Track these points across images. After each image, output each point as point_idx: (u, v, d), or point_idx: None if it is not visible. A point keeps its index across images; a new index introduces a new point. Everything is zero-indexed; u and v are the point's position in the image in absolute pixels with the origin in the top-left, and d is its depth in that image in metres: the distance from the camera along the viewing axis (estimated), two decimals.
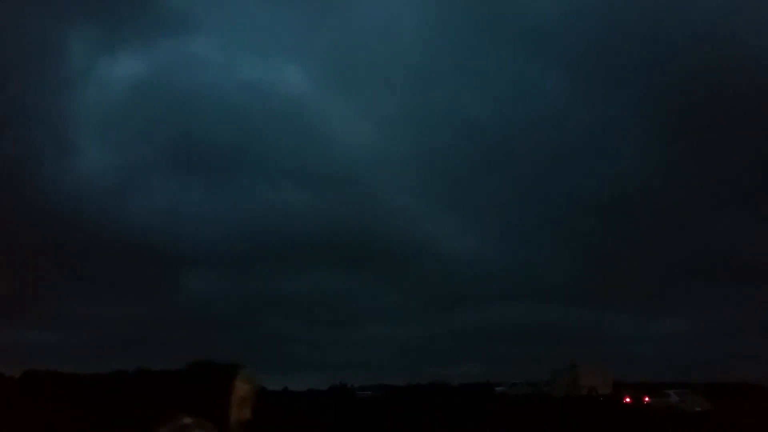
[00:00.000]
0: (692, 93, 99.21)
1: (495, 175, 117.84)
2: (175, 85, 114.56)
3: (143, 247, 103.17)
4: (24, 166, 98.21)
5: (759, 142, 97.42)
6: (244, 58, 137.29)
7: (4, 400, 46.73)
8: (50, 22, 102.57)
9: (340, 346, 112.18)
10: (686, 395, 35.79)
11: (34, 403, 41.88)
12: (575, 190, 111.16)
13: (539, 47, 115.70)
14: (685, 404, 34.27)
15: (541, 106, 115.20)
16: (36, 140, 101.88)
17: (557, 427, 25.69)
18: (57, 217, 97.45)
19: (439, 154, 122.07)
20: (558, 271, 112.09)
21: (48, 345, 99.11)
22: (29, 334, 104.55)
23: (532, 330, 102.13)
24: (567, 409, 34.14)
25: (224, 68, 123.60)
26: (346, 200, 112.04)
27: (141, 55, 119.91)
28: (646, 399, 38.99)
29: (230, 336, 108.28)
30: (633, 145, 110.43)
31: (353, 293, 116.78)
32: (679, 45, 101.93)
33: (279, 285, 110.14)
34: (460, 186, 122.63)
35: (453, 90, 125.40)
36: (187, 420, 2.82)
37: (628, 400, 41.35)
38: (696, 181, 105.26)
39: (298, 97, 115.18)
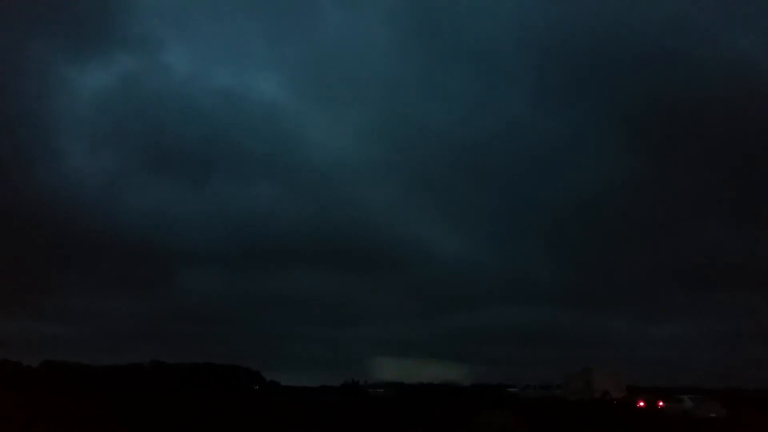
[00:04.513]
0: (663, 101, 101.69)
1: (467, 182, 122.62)
2: (161, 93, 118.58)
3: (147, 245, 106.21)
4: (23, 169, 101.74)
5: (729, 151, 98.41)
6: (221, 68, 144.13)
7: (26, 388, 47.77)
8: (39, 39, 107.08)
9: (346, 345, 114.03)
10: (701, 401, 35.67)
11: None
12: (548, 197, 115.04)
13: (499, 63, 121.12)
14: (699, 410, 34.18)
15: (505, 117, 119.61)
16: (30, 146, 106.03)
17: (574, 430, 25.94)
18: (64, 218, 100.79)
19: (412, 161, 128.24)
20: (547, 275, 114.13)
21: (56, 337, 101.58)
22: (36, 326, 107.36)
23: (533, 333, 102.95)
24: (581, 413, 34.31)
25: (202, 77, 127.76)
26: (331, 204, 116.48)
27: (126, 67, 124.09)
28: (660, 404, 38.96)
29: (238, 333, 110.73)
30: (598, 153, 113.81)
31: (352, 294, 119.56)
32: (640, 55, 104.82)
33: (281, 284, 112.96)
34: (437, 192, 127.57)
35: (421, 101, 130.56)
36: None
37: (641, 404, 41.36)
38: (672, 188, 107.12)
39: (273, 105, 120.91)
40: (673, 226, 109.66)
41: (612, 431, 26.32)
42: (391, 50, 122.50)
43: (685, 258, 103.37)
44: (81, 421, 24.75)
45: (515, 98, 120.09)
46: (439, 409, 37.29)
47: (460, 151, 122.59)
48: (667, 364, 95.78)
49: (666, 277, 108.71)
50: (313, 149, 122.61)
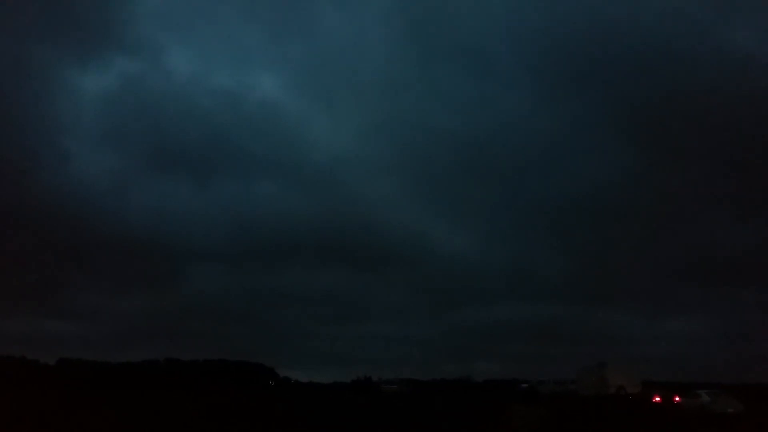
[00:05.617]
0: (664, 96, 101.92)
1: (470, 179, 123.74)
2: (164, 95, 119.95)
3: (161, 243, 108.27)
4: (35, 172, 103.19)
5: (735, 145, 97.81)
6: (223, 69, 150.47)
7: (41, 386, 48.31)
8: (43, 44, 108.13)
9: (355, 341, 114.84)
10: (718, 396, 35.46)
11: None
12: (555, 193, 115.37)
13: (498, 62, 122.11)
14: (716, 405, 34.00)
15: (506, 115, 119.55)
16: (41, 148, 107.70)
17: (590, 426, 25.90)
18: (77, 218, 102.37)
19: (415, 159, 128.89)
20: (556, 271, 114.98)
21: (72, 335, 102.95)
22: (52, 324, 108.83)
23: (543, 329, 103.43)
24: (602, 409, 34.21)
25: (204, 78, 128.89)
26: (338, 202, 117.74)
27: (129, 70, 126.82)
28: (677, 399, 38.74)
29: (251, 329, 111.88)
30: (603, 149, 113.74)
31: (363, 291, 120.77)
32: (638, 51, 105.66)
33: (293, 281, 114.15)
34: (443, 189, 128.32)
35: (418, 99, 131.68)
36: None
37: (657, 399, 41.16)
38: (682, 183, 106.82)
39: (274, 105, 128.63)
40: (684, 221, 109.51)
41: (632, 427, 26.28)
42: (390, 50, 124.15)
43: (697, 252, 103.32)
44: (97, 418, 25.02)
45: (515, 96, 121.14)
46: (461, 405, 37.27)
47: (463, 148, 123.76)
48: (680, 358, 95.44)
49: (677, 272, 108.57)
50: (315, 148, 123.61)
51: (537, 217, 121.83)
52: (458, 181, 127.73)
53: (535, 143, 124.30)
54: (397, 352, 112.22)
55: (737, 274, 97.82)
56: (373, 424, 25.76)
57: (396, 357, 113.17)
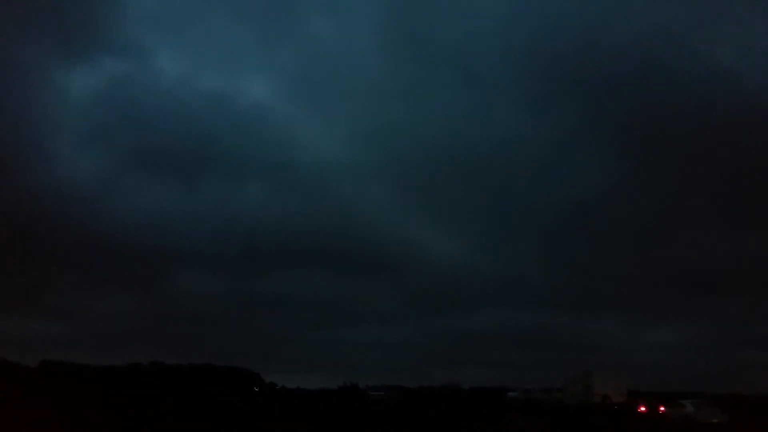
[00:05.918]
0: (650, 107, 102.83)
1: (459, 186, 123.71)
2: (153, 97, 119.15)
3: (146, 245, 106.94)
4: (19, 171, 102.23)
5: (720, 155, 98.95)
6: (212, 72, 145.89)
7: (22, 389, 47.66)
8: (31, 44, 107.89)
9: (341, 346, 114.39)
10: (702, 406, 35.66)
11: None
12: (542, 201, 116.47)
13: (486, 69, 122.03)
14: (700, 415, 34.18)
15: (494, 122, 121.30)
16: (27, 148, 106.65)
17: None
18: (61, 219, 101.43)
19: (404, 165, 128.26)
20: (542, 279, 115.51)
21: (55, 337, 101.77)
22: (34, 326, 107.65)
23: (529, 336, 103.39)
24: (581, 417, 34.26)
25: (193, 81, 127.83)
26: (325, 206, 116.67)
27: (117, 71, 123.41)
28: (662, 409, 38.93)
29: (237, 334, 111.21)
30: (590, 157, 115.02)
31: (350, 296, 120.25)
32: (627, 62, 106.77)
33: (279, 285, 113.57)
34: (431, 196, 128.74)
35: (408, 106, 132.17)
36: None
37: (642, 409, 41.34)
38: (661, 193, 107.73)
39: (263, 108, 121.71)
40: (670, 231, 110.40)
41: None
42: (380, 57, 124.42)
43: (683, 262, 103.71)
44: (79, 422, 24.66)
45: (504, 105, 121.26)
46: (454, 414, 36.89)
47: (452, 155, 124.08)
48: (666, 367, 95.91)
49: (664, 281, 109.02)
50: (304, 152, 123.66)
51: (525, 225, 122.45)
52: (447, 188, 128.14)
53: (523, 151, 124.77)
54: (384, 359, 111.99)
55: (723, 284, 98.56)
56: None
57: (383, 363, 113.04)
